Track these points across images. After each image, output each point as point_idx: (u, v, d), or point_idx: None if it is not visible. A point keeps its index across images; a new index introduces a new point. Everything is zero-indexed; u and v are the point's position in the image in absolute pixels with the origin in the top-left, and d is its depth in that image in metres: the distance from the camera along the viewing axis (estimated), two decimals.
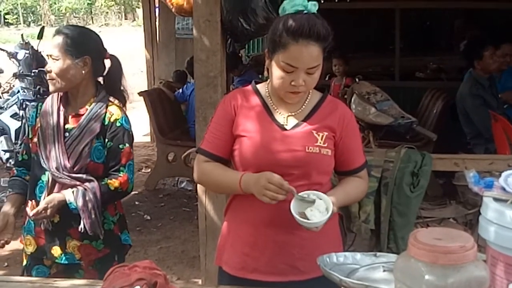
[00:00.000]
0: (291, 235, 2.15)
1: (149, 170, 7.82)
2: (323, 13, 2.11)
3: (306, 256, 2.12)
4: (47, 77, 2.63)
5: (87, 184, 2.56)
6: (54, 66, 2.57)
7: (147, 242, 5.46)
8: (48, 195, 2.57)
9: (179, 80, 8.18)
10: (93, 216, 2.54)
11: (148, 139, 9.41)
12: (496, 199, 1.50)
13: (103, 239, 2.66)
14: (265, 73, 2.16)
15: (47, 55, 2.64)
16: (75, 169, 2.57)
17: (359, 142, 2.31)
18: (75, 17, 31.68)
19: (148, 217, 6.17)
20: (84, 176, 2.58)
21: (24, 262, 2.77)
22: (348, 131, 2.20)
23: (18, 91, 6.98)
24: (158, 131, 7.21)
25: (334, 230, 2.30)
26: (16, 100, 6.91)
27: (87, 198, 2.52)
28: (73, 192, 2.54)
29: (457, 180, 4.19)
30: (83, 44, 2.61)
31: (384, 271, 1.80)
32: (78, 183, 2.56)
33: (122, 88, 2.79)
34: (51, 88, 2.63)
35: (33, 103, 6.52)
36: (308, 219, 1.96)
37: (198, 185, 3.59)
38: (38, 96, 6.60)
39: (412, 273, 1.25)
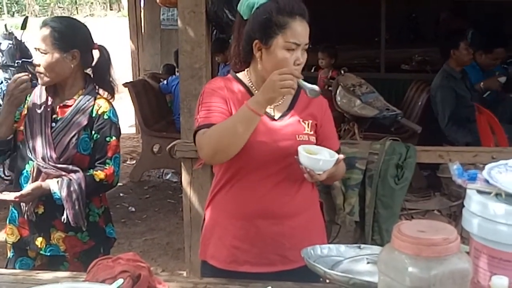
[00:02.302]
0: (281, 225, 2.17)
1: (134, 161, 7.80)
2: (308, 5, 2.12)
3: (295, 245, 2.12)
4: (35, 71, 2.58)
5: (72, 174, 2.54)
6: (42, 60, 2.54)
7: (131, 234, 5.44)
8: None
9: (168, 73, 8.14)
10: (76, 207, 2.53)
11: (133, 130, 9.37)
12: (479, 192, 1.51)
13: (88, 231, 2.65)
14: (259, 66, 2.13)
15: (35, 48, 2.59)
16: (61, 159, 2.56)
17: (334, 128, 2.37)
18: (59, 7, 31.34)
19: (133, 209, 6.15)
20: (70, 167, 2.56)
21: (8, 254, 2.75)
22: (326, 118, 2.27)
23: (1, 82, 6.90)
24: (143, 122, 7.19)
25: (319, 218, 2.34)
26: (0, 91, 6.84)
27: (71, 189, 2.51)
28: (57, 182, 2.52)
29: (442, 172, 4.21)
30: (71, 37, 2.58)
31: (368, 263, 1.80)
32: (63, 173, 2.55)
33: (111, 79, 2.75)
34: (40, 81, 2.60)
35: None
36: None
37: (183, 177, 3.58)
38: None
39: (396, 265, 1.26)
